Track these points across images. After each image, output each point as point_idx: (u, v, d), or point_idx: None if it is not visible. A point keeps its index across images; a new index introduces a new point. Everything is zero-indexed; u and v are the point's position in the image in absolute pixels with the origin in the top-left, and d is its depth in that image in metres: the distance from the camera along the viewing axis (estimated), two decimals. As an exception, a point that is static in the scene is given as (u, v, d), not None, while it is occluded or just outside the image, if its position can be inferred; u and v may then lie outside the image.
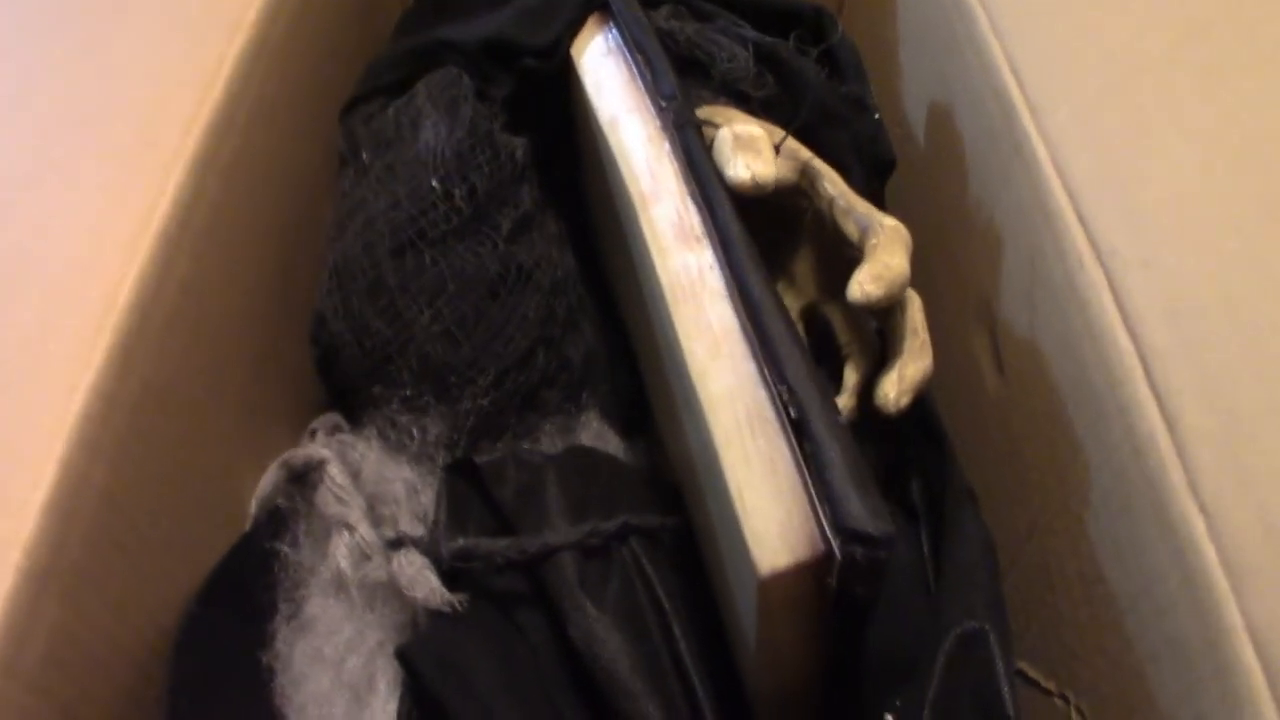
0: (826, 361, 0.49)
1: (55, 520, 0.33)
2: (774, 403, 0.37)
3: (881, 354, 0.46)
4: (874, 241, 0.42)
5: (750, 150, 0.42)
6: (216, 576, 0.42)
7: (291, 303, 0.50)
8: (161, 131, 0.43)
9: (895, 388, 0.43)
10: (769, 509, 0.35)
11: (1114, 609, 0.38)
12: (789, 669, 0.40)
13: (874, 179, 0.51)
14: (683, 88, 0.45)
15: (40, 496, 0.33)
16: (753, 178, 0.41)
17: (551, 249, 0.52)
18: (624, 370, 0.55)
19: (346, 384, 0.49)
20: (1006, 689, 0.38)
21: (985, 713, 0.38)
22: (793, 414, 0.36)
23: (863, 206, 0.44)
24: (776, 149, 0.45)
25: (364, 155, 0.51)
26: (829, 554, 0.34)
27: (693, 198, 0.42)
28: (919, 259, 0.44)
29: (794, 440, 0.36)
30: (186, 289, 0.41)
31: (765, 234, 0.45)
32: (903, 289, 0.42)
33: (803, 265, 0.49)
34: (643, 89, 0.47)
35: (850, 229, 0.44)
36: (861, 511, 0.33)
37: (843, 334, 0.48)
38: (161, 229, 0.40)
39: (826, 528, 0.34)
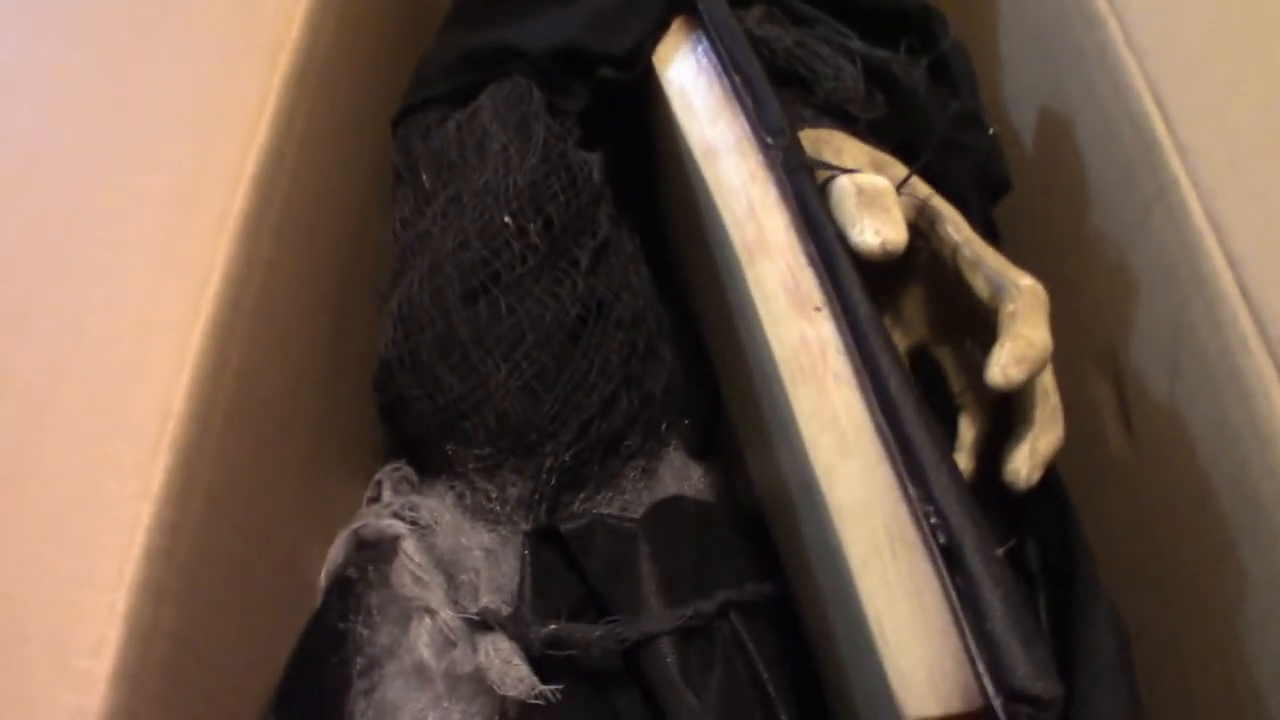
0: (936, 406, 0.45)
1: (124, 690, 0.30)
2: (917, 522, 0.33)
3: (999, 403, 0.43)
4: (1011, 309, 0.38)
5: (877, 209, 0.37)
6: (294, 664, 0.39)
7: (350, 344, 0.46)
8: (206, 190, 0.38)
9: (1027, 464, 0.39)
10: (916, 648, 0.32)
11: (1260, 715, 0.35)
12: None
13: (986, 201, 0.47)
14: (790, 121, 0.40)
15: (106, 667, 0.30)
16: (882, 245, 0.37)
17: (629, 272, 0.47)
18: (702, 389, 0.51)
19: (416, 437, 0.45)
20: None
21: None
22: (942, 540, 0.32)
23: (992, 258, 0.40)
24: (897, 189, 0.40)
25: (424, 177, 0.46)
26: (986, 710, 0.31)
27: (809, 259, 0.38)
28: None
29: (944, 570, 0.32)
30: (242, 376, 0.37)
31: (869, 264, 0.41)
32: (1046, 363, 0.38)
33: (913, 302, 0.45)
34: (743, 118, 0.42)
35: (979, 285, 0.40)
36: (1028, 669, 0.30)
37: (956, 381, 0.44)
38: (212, 316, 0.36)
39: (985, 681, 0.31)
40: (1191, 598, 0.39)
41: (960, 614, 0.32)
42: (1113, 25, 0.43)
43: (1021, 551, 0.44)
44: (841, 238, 0.38)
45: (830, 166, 0.40)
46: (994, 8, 0.55)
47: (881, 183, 0.38)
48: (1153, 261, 0.41)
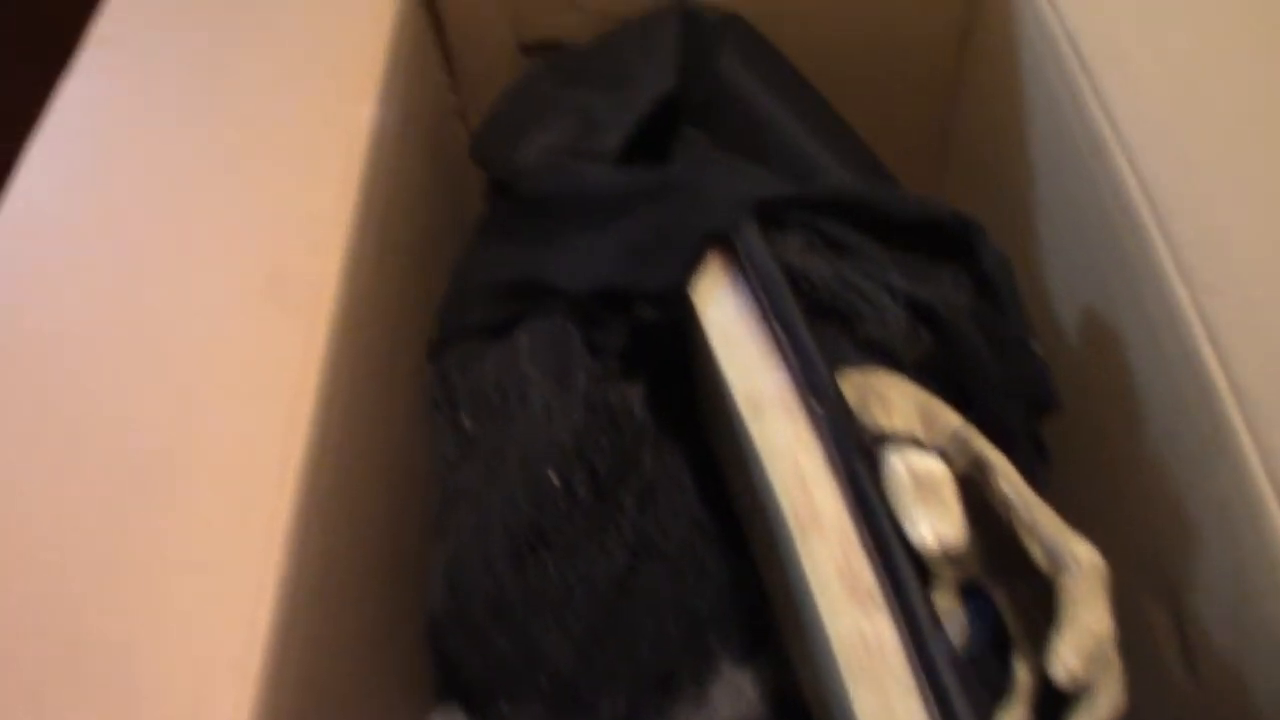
0: (989, 642, 0.45)
1: None
2: None
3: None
4: (1071, 591, 0.37)
5: (933, 500, 0.37)
6: None
7: (401, 587, 0.46)
8: (253, 483, 0.38)
9: (1088, 734, 0.39)
10: None
11: None
12: None
13: (1034, 420, 0.46)
14: (835, 381, 0.40)
15: None
16: (941, 546, 0.36)
17: (675, 499, 0.47)
18: (749, 587, 0.51)
19: (469, 690, 0.45)
20: None
21: None
22: None
23: (1047, 523, 0.39)
24: (948, 454, 0.39)
25: (464, 418, 0.45)
26: None
27: (862, 544, 0.38)
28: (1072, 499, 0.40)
29: None
30: (311, 641, 0.37)
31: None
32: (1110, 651, 0.38)
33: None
34: (787, 372, 0.41)
35: (1035, 552, 0.39)
36: None
37: (1010, 621, 0.43)
38: (278, 587, 0.36)
39: None
40: None
41: None
42: (1160, 245, 0.42)
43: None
44: (896, 524, 0.37)
45: (881, 437, 0.39)
46: (1034, 187, 0.54)
47: (936, 469, 0.38)
48: (1212, 510, 0.40)
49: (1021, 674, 0.43)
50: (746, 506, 0.47)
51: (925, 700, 0.35)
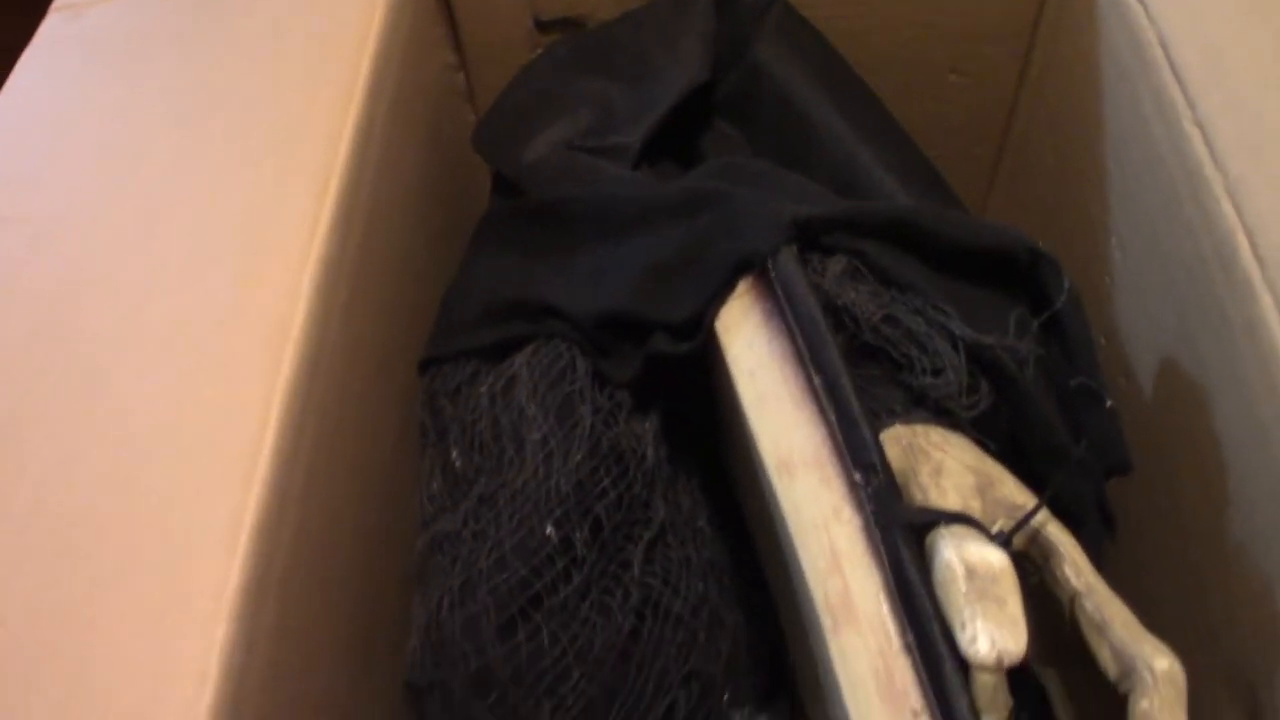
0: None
1: None
2: None
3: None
4: (1145, 709, 0.32)
5: (992, 603, 0.31)
6: None
7: (376, 638, 0.41)
8: (211, 522, 0.32)
9: None
10: None
11: None
12: None
13: (1101, 483, 0.40)
14: (879, 447, 0.34)
15: None
16: (998, 659, 0.31)
17: (688, 544, 0.42)
18: (765, 636, 0.46)
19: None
20: None
21: None
22: None
23: (1120, 622, 0.34)
24: (1009, 539, 0.34)
25: (454, 455, 0.40)
26: None
27: (906, 650, 0.32)
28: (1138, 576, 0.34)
29: None
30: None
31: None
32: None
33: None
34: (824, 431, 0.35)
35: (1104, 656, 0.34)
36: None
37: (1062, 711, 0.38)
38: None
39: None
40: None
41: None
42: (1266, 302, 0.37)
43: None
44: (945, 626, 0.32)
45: (932, 515, 0.34)
46: (1106, 206, 0.48)
47: (996, 563, 0.32)
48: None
49: (1074, 777, 0.38)
50: (770, 559, 0.42)
51: None
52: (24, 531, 0.33)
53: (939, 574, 0.33)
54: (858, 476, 0.34)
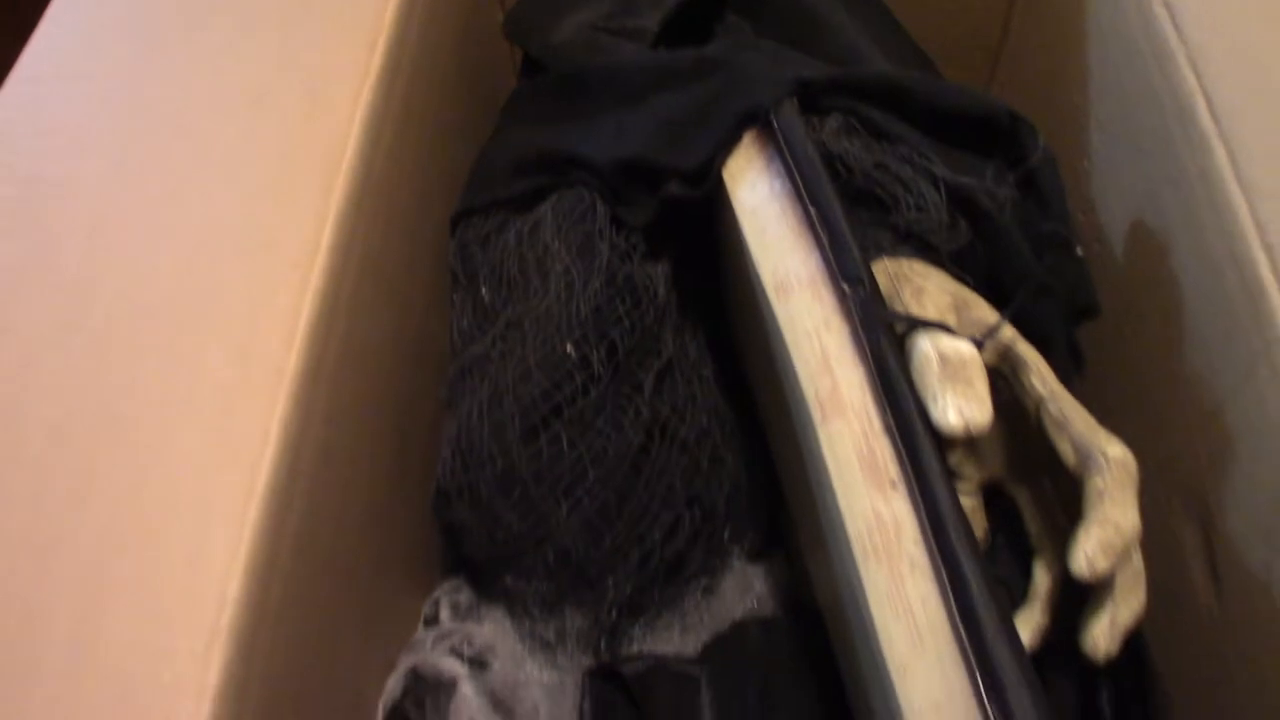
0: (1010, 546, 0.44)
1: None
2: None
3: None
4: (1099, 486, 0.36)
5: (961, 383, 0.35)
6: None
7: (413, 460, 0.45)
8: (261, 346, 0.37)
9: (1106, 636, 0.37)
10: None
11: None
12: None
13: (1071, 325, 0.44)
14: (868, 266, 0.38)
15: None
16: (966, 426, 0.35)
17: (694, 386, 0.46)
18: (764, 484, 0.50)
19: (474, 563, 0.44)
20: None
21: None
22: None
23: (1079, 420, 0.38)
24: (980, 344, 0.38)
25: (483, 291, 0.44)
26: None
27: (885, 428, 0.36)
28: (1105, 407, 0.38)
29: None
30: (313, 494, 0.36)
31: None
32: (1133, 549, 0.36)
33: (989, 437, 0.43)
34: (818, 255, 0.40)
35: (1065, 449, 0.38)
36: None
37: (1032, 523, 0.42)
38: (269, 484, 0.35)
39: None
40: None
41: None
42: (1219, 152, 0.41)
43: (1095, 700, 0.43)
44: (921, 407, 0.36)
45: (911, 320, 0.38)
46: (1087, 96, 0.52)
47: (965, 350, 0.36)
48: (1253, 423, 0.38)
49: (1040, 578, 0.42)
50: (767, 399, 0.46)
51: (939, 582, 0.34)
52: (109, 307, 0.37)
53: (916, 363, 0.37)
54: (846, 289, 0.38)
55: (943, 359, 0.36)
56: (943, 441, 0.36)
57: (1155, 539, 0.44)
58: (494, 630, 0.43)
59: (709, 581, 0.46)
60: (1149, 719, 0.42)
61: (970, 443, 0.42)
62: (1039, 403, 0.39)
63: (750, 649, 0.44)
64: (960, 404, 0.35)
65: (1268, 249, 0.38)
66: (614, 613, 0.43)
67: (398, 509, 0.44)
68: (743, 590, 0.47)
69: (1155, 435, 0.44)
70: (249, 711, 0.33)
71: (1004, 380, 0.40)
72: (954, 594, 0.34)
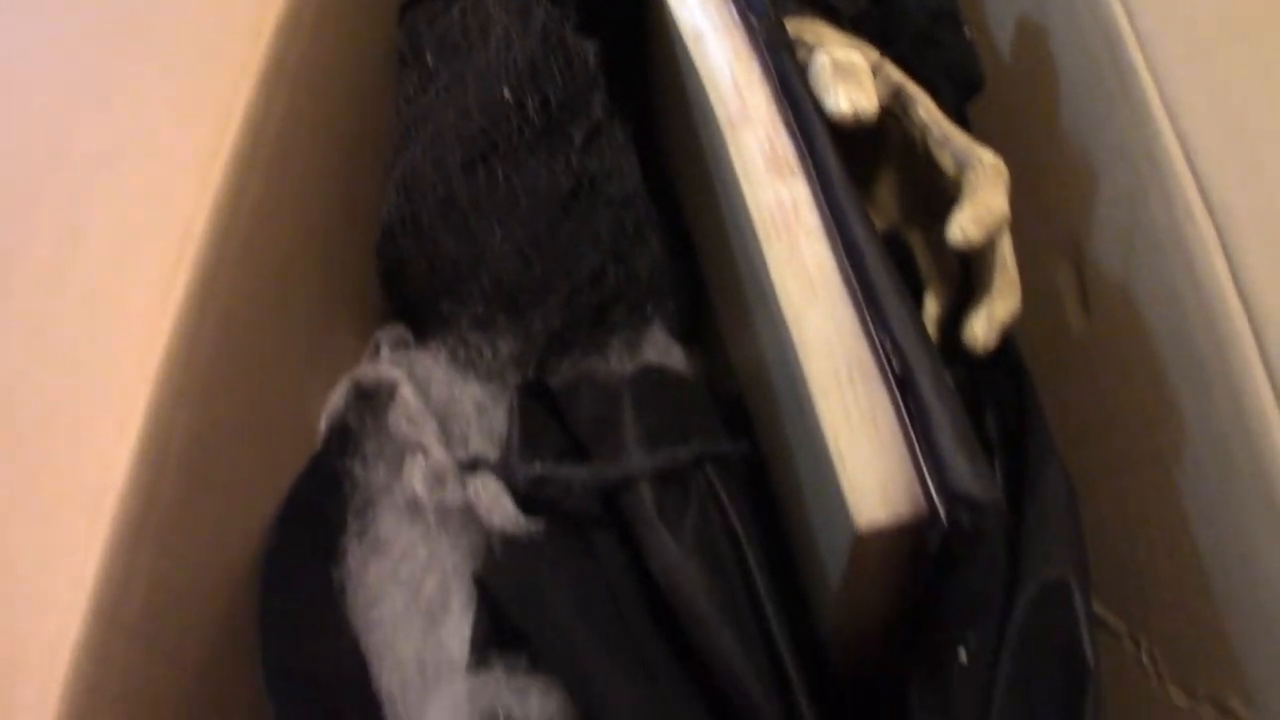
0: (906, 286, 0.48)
1: (147, 467, 0.33)
2: (876, 354, 0.36)
3: (963, 282, 0.46)
4: (973, 179, 0.41)
5: (850, 80, 0.40)
6: (291, 499, 0.42)
7: (357, 214, 0.49)
8: (227, 41, 0.41)
9: (984, 327, 0.42)
10: (869, 463, 0.35)
11: (1201, 569, 0.38)
12: (868, 614, 0.41)
13: (960, 99, 0.50)
14: (773, 4, 0.43)
15: (130, 445, 0.33)
16: (854, 111, 0.40)
17: (621, 159, 0.50)
18: (686, 277, 0.54)
19: (414, 299, 0.48)
20: (1088, 640, 0.38)
21: (1066, 663, 0.39)
22: (897, 369, 0.35)
23: (959, 138, 0.43)
24: (874, 73, 0.43)
25: (429, 59, 0.49)
26: (932, 516, 0.33)
27: (788, 128, 0.41)
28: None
29: (897, 396, 0.35)
30: (259, 212, 0.40)
31: (847, 152, 0.43)
32: (1001, 229, 0.41)
33: (885, 187, 0.47)
34: (730, 4, 0.44)
35: (946, 162, 0.42)
36: (970, 475, 0.33)
37: (924, 260, 0.47)
38: (234, 150, 0.38)
39: (931, 489, 0.33)
40: (1137, 456, 0.42)
41: (911, 432, 0.34)
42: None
43: (980, 421, 0.47)
44: (819, 109, 0.41)
45: (806, 45, 0.43)
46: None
47: (857, 59, 0.41)
48: (1113, 150, 0.43)
49: (930, 306, 0.46)
50: (687, 165, 0.50)
51: (831, 240, 0.38)
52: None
53: (813, 72, 0.42)
54: (754, 22, 0.43)
55: (835, 63, 0.41)
56: (836, 137, 0.40)
57: (1037, 287, 0.48)
58: (430, 360, 0.47)
59: (632, 337, 0.50)
60: (1025, 437, 0.45)
61: (870, 176, 0.47)
62: (924, 129, 0.43)
63: (670, 381, 0.48)
64: (851, 94, 0.40)
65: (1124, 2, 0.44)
66: (541, 341, 0.47)
67: (343, 247, 0.48)
68: (663, 355, 0.51)
69: (1035, 192, 0.49)
70: (208, 330, 0.36)
71: (895, 120, 0.45)
72: (845, 250, 0.38)
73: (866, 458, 0.35)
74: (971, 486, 0.33)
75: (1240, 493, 0.35)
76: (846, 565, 0.37)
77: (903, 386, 0.35)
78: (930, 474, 0.34)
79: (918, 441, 0.34)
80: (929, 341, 0.35)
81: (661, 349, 0.51)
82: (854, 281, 0.37)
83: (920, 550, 0.35)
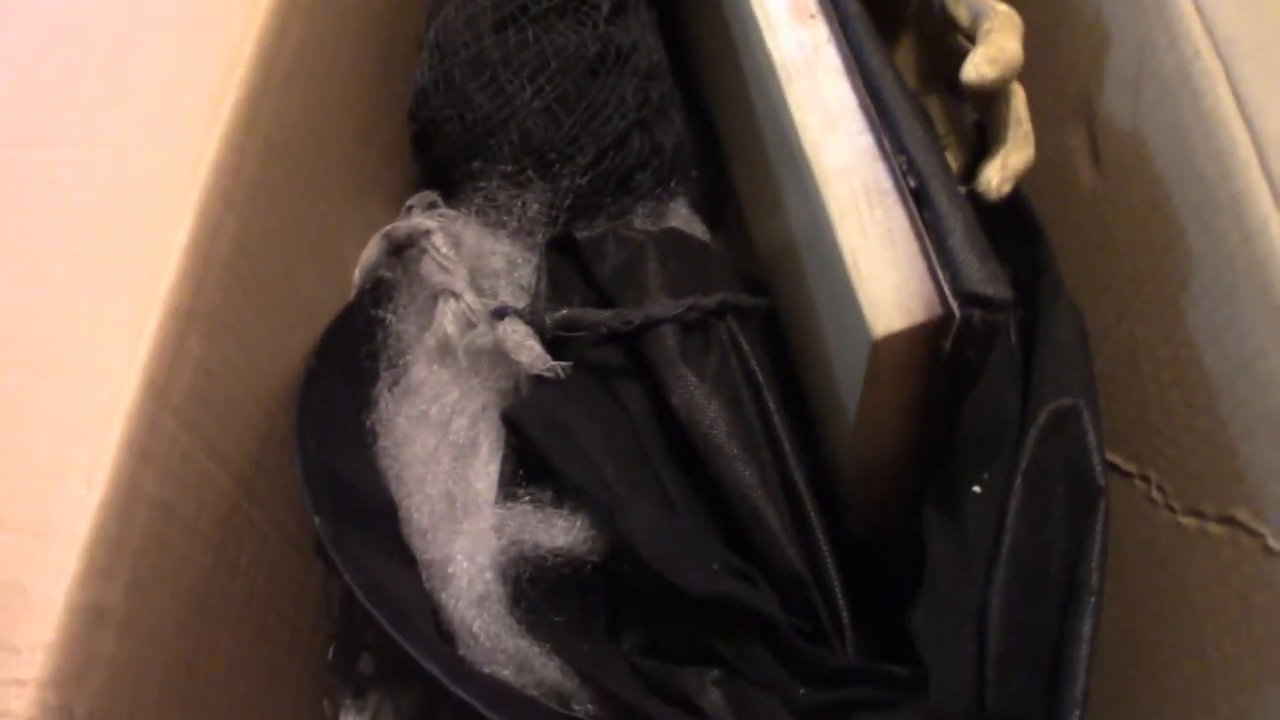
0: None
1: (195, 262, 0.35)
2: (892, 174, 0.37)
3: (978, 147, 0.47)
4: (987, 26, 0.42)
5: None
6: (328, 336, 0.44)
7: (391, 80, 0.50)
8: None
9: (998, 174, 0.43)
10: (885, 275, 0.36)
11: (1207, 389, 0.39)
12: (884, 444, 0.42)
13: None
14: None
15: (182, 239, 0.34)
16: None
17: (647, 34, 0.52)
18: (710, 164, 0.56)
19: (445, 160, 0.49)
20: (1098, 461, 0.40)
21: (1076, 484, 0.40)
22: (912, 184, 0.37)
23: (974, -6, 0.44)
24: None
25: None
26: (946, 316, 0.35)
27: (808, -31, 0.42)
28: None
29: (913, 209, 0.36)
30: (301, 50, 0.41)
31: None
32: (1015, 72, 0.42)
33: (902, 55, 0.49)
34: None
35: (961, 14, 0.44)
36: (981, 275, 0.34)
37: (941, 125, 0.48)
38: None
39: (945, 291, 0.35)
40: (1146, 295, 0.43)
41: (925, 240, 0.36)
42: None
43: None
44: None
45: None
46: None
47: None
48: (1123, 5, 0.45)
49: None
50: (710, 49, 0.52)
51: (850, 75, 0.40)
52: None
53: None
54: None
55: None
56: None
57: (1051, 152, 0.50)
58: (461, 219, 0.48)
59: (657, 207, 0.51)
60: (1037, 282, 0.46)
61: (889, 44, 0.48)
62: (942, -7, 0.45)
63: (693, 242, 0.50)
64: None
65: None
66: (568, 199, 0.48)
67: (377, 108, 0.49)
68: (687, 227, 0.53)
69: (1051, 63, 0.50)
70: (251, 160, 0.38)
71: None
72: (861, 75, 0.39)
73: (882, 271, 0.36)
74: (982, 285, 0.34)
75: (1246, 309, 0.36)
76: (863, 383, 0.38)
77: (918, 200, 0.36)
78: (944, 278, 0.35)
79: (932, 247, 0.35)
80: (943, 157, 0.37)
81: (684, 222, 0.53)
82: (872, 110, 0.39)
83: (935, 362, 0.36)
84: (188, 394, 0.34)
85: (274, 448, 0.40)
